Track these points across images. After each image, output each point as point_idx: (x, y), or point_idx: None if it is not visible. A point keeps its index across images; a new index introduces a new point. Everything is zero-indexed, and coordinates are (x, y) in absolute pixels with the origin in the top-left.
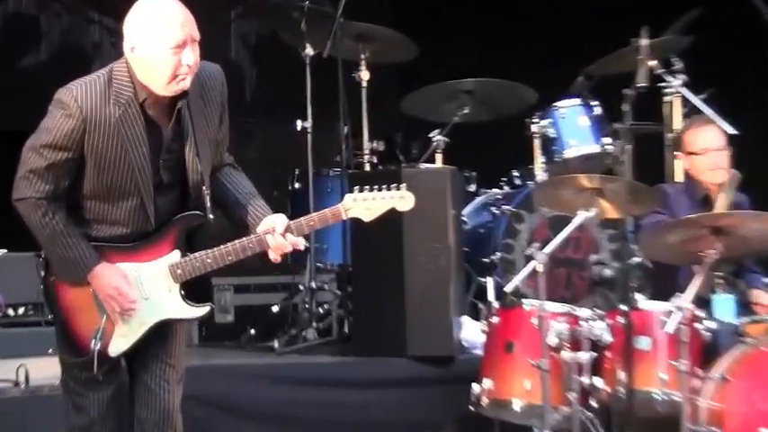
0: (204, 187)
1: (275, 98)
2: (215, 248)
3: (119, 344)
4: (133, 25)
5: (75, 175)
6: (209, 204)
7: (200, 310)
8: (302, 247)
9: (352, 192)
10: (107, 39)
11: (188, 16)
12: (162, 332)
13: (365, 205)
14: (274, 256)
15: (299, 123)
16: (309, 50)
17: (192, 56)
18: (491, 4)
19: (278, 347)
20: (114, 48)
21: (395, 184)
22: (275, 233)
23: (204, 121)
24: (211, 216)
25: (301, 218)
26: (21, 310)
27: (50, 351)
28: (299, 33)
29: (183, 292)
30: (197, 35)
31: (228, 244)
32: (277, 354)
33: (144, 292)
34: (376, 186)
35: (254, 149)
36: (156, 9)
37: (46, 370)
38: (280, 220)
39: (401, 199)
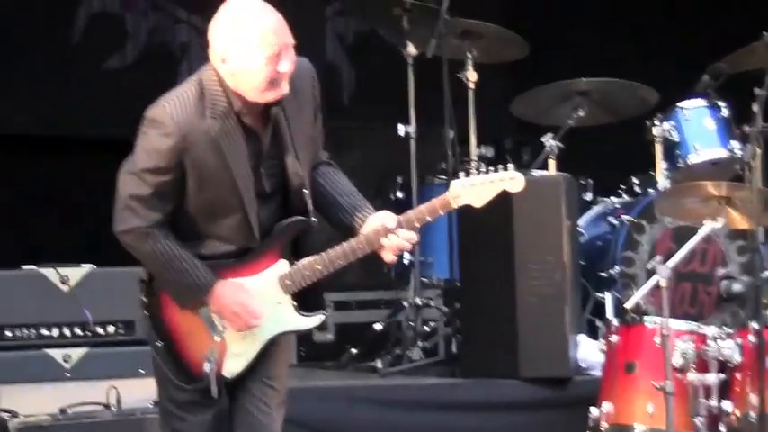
0: (305, 190)
1: (375, 101)
2: (322, 253)
3: (234, 364)
4: (221, 35)
5: (180, 196)
6: (311, 207)
7: (315, 320)
8: (415, 241)
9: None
10: (195, 39)
11: (280, 22)
12: (265, 352)
13: (474, 191)
14: (390, 256)
15: (401, 128)
16: (412, 49)
17: (288, 63)
18: None
19: (381, 368)
20: (203, 49)
21: (501, 166)
22: (385, 229)
23: (300, 121)
24: (315, 219)
25: (409, 211)
26: (110, 329)
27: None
28: (400, 31)
29: (294, 303)
30: (291, 39)
31: (336, 247)
32: (380, 375)
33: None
34: (483, 170)
35: (352, 156)
36: (245, 17)
37: (138, 392)
38: (387, 216)
39: (511, 180)
